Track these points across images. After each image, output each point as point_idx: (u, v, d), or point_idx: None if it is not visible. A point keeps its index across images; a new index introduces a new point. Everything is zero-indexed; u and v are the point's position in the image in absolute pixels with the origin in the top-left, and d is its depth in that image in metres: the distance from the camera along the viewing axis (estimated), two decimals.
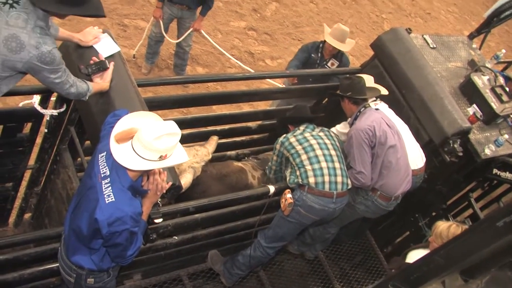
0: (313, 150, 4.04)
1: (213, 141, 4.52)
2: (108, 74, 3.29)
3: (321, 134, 4.20)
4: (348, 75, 4.44)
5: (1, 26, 2.77)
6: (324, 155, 4.03)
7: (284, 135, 4.21)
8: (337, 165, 4.03)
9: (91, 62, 3.26)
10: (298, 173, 4.00)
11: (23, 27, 2.79)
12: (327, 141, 4.14)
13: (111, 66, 3.29)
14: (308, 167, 3.98)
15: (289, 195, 3.97)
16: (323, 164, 3.99)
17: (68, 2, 2.86)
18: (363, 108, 4.25)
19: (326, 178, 3.96)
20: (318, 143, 4.08)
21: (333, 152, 4.08)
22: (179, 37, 6.69)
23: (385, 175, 4.11)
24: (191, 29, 6.61)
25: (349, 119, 4.35)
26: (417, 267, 2.45)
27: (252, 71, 7.47)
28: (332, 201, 3.99)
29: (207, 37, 7.15)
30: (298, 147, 4.06)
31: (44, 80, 2.98)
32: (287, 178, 4.08)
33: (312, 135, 4.15)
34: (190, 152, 4.26)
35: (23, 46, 2.79)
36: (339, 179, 4.00)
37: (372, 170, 4.10)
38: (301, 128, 4.23)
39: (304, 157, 4.02)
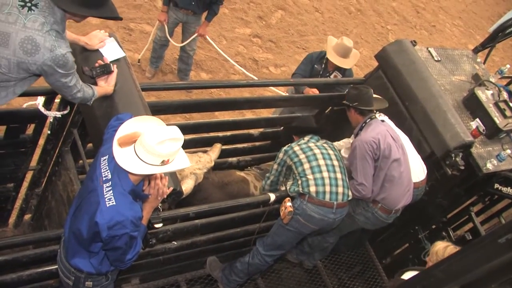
0: (316, 159, 4.05)
1: (217, 148, 4.52)
2: (113, 78, 3.30)
3: (325, 145, 4.22)
4: (356, 86, 4.46)
5: (18, 28, 2.80)
6: (326, 165, 4.04)
7: (289, 144, 4.24)
8: (338, 175, 4.04)
9: (96, 65, 3.27)
10: (299, 182, 4.00)
11: (40, 29, 2.82)
12: (330, 152, 4.15)
13: (115, 69, 3.30)
14: (310, 176, 3.98)
15: (289, 203, 3.96)
16: (325, 174, 3.99)
17: (87, 4, 2.91)
18: (369, 119, 4.25)
19: (327, 188, 3.96)
20: (322, 153, 4.10)
21: (335, 163, 4.10)
22: (184, 42, 6.71)
23: (387, 188, 4.11)
24: (196, 34, 6.63)
25: (355, 129, 4.34)
26: (417, 282, 2.44)
27: (256, 78, 7.48)
28: (332, 211, 3.98)
29: (212, 42, 7.17)
30: (302, 156, 4.08)
31: (54, 82, 3.00)
32: (288, 187, 4.07)
33: (316, 145, 4.17)
34: (193, 158, 4.27)
35: (38, 48, 2.82)
36: (340, 189, 4.00)
37: (374, 182, 4.09)
38: (306, 138, 4.25)
39: (306, 166, 4.02)
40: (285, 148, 4.20)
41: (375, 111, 4.33)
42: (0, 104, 3.11)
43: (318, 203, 3.95)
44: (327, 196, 3.95)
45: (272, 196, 4.01)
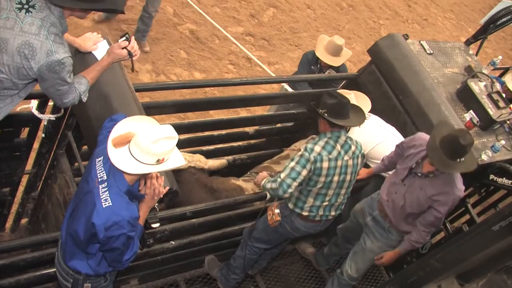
0: (334, 174, 3.74)
1: (220, 161, 4.53)
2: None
3: (349, 151, 3.78)
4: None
5: (16, 33, 2.78)
6: (338, 181, 3.79)
7: (317, 148, 3.67)
8: (343, 191, 3.90)
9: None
10: (296, 198, 3.85)
11: (37, 33, 2.78)
12: (350, 163, 3.80)
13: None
14: (310, 200, 3.83)
15: (277, 211, 3.91)
16: (330, 192, 3.81)
17: None
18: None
19: (321, 211, 3.89)
20: (341, 166, 3.76)
21: (348, 177, 3.84)
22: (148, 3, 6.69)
23: None
24: None
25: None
26: (414, 271, 2.45)
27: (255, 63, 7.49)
28: (319, 225, 4.00)
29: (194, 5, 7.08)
30: (322, 178, 3.71)
31: (47, 88, 2.96)
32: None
33: (341, 153, 3.73)
34: (189, 154, 4.31)
35: (35, 53, 2.79)
36: (337, 204, 3.92)
37: None
38: (332, 140, 3.73)
39: (316, 190, 3.78)
40: (313, 154, 3.64)
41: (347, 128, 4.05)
42: (8, 110, 3.09)
43: (307, 220, 3.92)
44: (318, 217, 3.91)
45: (268, 195, 4.01)
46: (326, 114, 3.64)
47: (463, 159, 3.56)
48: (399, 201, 3.87)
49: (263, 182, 3.82)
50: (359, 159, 3.89)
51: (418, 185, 3.79)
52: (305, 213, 3.86)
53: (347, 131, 4.05)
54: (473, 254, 2.12)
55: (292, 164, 3.65)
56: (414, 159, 3.85)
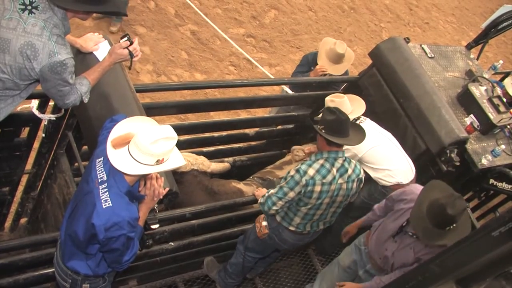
0: (320, 204, 3.68)
1: (223, 164, 4.53)
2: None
3: (345, 174, 3.68)
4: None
5: (18, 33, 2.79)
6: (328, 203, 3.71)
7: (311, 171, 3.58)
8: (332, 209, 3.83)
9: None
10: (284, 213, 3.80)
11: (39, 34, 2.80)
12: (344, 186, 3.69)
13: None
14: (297, 219, 3.79)
15: (264, 223, 3.88)
16: (319, 212, 3.75)
17: None
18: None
19: (308, 226, 3.85)
20: (334, 190, 3.66)
21: (339, 199, 3.75)
22: None
23: None
24: None
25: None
26: (412, 276, 2.45)
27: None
28: (308, 237, 3.98)
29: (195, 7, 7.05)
30: (313, 201, 3.64)
31: (49, 89, 2.97)
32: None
33: (336, 176, 3.63)
34: (192, 155, 4.31)
35: (37, 54, 2.80)
36: (325, 220, 3.88)
37: None
38: (328, 162, 3.62)
39: (305, 210, 3.72)
40: (306, 178, 3.55)
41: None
42: (9, 110, 3.10)
43: (295, 233, 3.89)
44: (307, 229, 3.87)
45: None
46: (323, 131, 3.53)
47: (454, 225, 3.17)
48: (390, 259, 3.67)
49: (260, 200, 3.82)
50: (355, 184, 3.77)
51: (408, 243, 3.56)
52: (292, 228, 3.84)
53: None
54: (473, 259, 2.11)
55: (282, 183, 3.64)
56: (405, 216, 3.57)
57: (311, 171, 3.57)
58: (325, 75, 5.58)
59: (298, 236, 3.91)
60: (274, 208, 3.66)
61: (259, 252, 4.18)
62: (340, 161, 3.65)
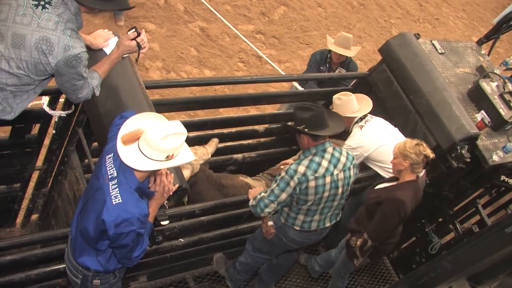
0: (323, 191, 3.61)
1: (213, 142, 4.52)
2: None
3: (339, 163, 3.65)
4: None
5: (33, 29, 2.82)
6: (328, 196, 3.67)
7: (301, 168, 3.55)
8: (335, 203, 3.78)
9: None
10: (286, 214, 3.79)
11: (54, 29, 2.83)
12: (340, 176, 3.66)
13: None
14: (301, 217, 3.75)
15: (270, 223, 3.85)
16: (321, 206, 3.71)
17: None
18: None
19: (314, 224, 3.81)
20: (331, 182, 3.62)
21: (339, 190, 3.71)
22: None
23: None
24: None
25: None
26: (425, 272, 2.43)
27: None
28: (316, 234, 3.92)
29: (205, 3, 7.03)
30: (311, 197, 3.60)
31: (63, 83, 3.01)
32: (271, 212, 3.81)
33: (329, 168, 3.59)
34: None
35: (53, 48, 2.84)
36: (330, 214, 3.84)
37: None
38: (317, 156, 3.59)
39: (305, 207, 3.68)
40: (298, 176, 3.52)
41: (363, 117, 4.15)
42: (24, 106, 3.13)
43: (301, 232, 3.84)
44: (313, 225, 3.82)
45: None
46: (306, 129, 3.51)
47: None
48: None
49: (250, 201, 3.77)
50: (351, 171, 3.74)
51: None
52: (297, 227, 3.81)
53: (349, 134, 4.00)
54: (486, 256, 2.10)
55: (273, 185, 3.62)
56: None
57: (301, 168, 3.54)
58: (334, 71, 5.59)
59: (304, 234, 3.87)
60: (267, 210, 3.63)
61: (266, 252, 4.16)
62: (329, 150, 3.63)
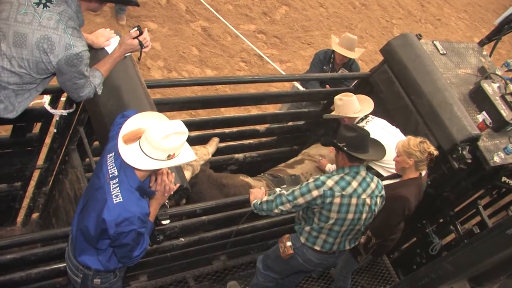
0: (347, 212, 3.58)
1: (214, 142, 4.51)
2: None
3: (368, 188, 3.63)
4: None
5: (34, 28, 2.82)
6: (352, 219, 3.63)
7: (330, 182, 3.53)
8: (357, 227, 3.73)
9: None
10: (307, 233, 3.74)
11: (55, 28, 2.83)
12: (367, 201, 3.64)
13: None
14: (322, 236, 3.71)
15: (289, 243, 3.82)
16: (343, 228, 3.67)
17: None
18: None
19: (335, 247, 3.77)
20: (357, 205, 3.60)
21: (364, 216, 3.67)
22: None
23: None
24: None
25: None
26: (425, 273, 2.43)
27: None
28: (334, 256, 3.90)
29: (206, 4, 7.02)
30: (334, 215, 3.58)
31: (65, 82, 3.00)
32: (299, 224, 3.83)
33: (358, 191, 3.57)
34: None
35: (54, 47, 2.84)
36: (350, 237, 3.80)
37: None
38: (349, 176, 3.58)
39: (328, 226, 3.64)
40: (324, 188, 3.50)
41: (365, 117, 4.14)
42: (25, 105, 3.13)
43: (320, 253, 3.80)
44: (334, 248, 3.78)
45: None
46: (345, 148, 3.53)
47: None
48: None
49: (254, 201, 3.75)
50: (378, 199, 3.71)
51: None
52: (317, 248, 3.76)
53: None
54: (487, 257, 2.09)
55: (296, 187, 3.62)
56: None
57: (329, 182, 3.53)
58: (337, 71, 5.59)
59: (323, 255, 3.82)
60: (280, 208, 3.61)
61: (277, 272, 4.12)
62: (362, 174, 3.62)
